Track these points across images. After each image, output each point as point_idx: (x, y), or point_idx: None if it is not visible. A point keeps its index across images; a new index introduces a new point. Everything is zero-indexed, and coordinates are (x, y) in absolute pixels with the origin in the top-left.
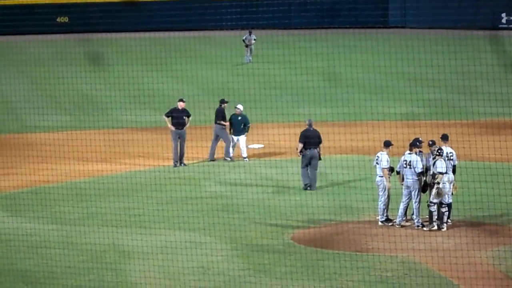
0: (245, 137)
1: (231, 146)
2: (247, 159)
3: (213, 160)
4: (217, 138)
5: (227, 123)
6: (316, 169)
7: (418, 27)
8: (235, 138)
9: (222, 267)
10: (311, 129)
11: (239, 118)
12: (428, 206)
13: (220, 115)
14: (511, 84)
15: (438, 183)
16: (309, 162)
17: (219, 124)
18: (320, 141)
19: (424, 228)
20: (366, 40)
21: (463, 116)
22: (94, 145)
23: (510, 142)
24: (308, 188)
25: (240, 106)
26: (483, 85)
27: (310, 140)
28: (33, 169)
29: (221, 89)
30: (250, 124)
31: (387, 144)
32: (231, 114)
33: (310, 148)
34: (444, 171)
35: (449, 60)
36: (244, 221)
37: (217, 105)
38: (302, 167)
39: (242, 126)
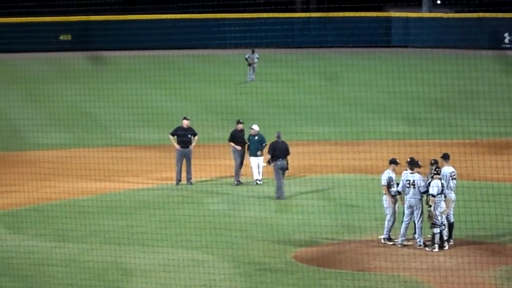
0: (262, 158)
1: (253, 169)
2: (260, 181)
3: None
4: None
5: (239, 147)
6: (283, 179)
7: (420, 47)
8: (254, 159)
9: (224, 286)
10: (280, 141)
11: (256, 138)
12: (431, 227)
13: (231, 136)
14: None
15: (430, 205)
16: (282, 173)
17: (232, 146)
18: (288, 153)
19: (426, 248)
20: (368, 59)
21: (465, 136)
22: (97, 162)
23: None
24: (280, 198)
25: (255, 127)
26: (485, 104)
27: (278, 151)
28: (35, 187)
29: (224, 108)
30: (266, 144)
31: (391, 162)
32: (248, 135)
33: (279, 160)
34: (435, 193)
35: (452, 79)
36: (246, 240)
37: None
38: (279, 179)
39: (260, 147)
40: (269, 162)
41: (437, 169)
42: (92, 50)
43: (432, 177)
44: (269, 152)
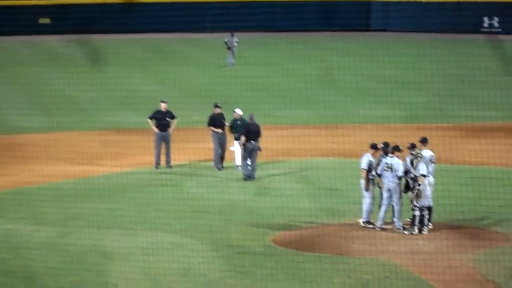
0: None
1: (236, 153)
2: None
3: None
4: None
5: (219, 130)
6: (256, 160)
7: (399, 31)
8: (238, 144)
9: (203, 269)
10: (253, 123)
11: (239, 122)
12: (412, 209)
13: (210, 120)
14: (492, 87)
15: (419, 185)
16: (250, 155)
17: (212, 130)
18: (259, 135)
19: (405, 232)
20: (348, 43)
21: (444, 120)
22: (76, 146)
23: (491, 145)
24: (248, 178)
25: (238, 110)
26: (464, 88)
27: (252, 133)
28: (14, 170)
29: (203, 91)
30: None
31: (371, 147)
32: (232, 119)
33: (250, 141)
34: (426, 173)
35: (430, 63)
36: (225, 223)
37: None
38: (244, 159)
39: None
40: (244, 145)
41: (420, 153)
42: (71, 34)
43: (412, 161)
44: (243, 134)
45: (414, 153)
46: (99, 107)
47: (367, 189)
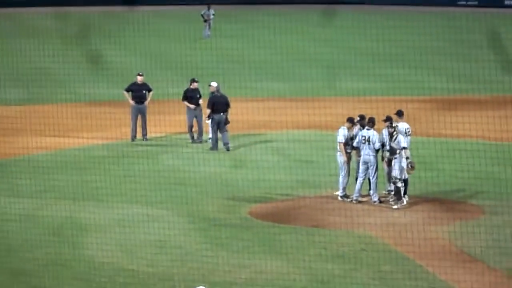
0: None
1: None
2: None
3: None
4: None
5: (192, 106)
6: (227, 131)
7: (377, 4)
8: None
9: (179, 241)
10: (219, 94)
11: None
12: (394, 182)
13: (185, 94)
14: (468, 59)
15: (408, 157)
16: (218, 127)
17: (186, 105)
18: (228, 107)
19: (394, 206)
20: (325, 15)
21: (420, 92)
22: (52, 117)
23: (467, 118)
24: (213, 150)
25: (213, 83)
26: (440, 60)
27: (218, 105)
28: None
29: (180, 63)
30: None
31: (348, 120)
32: (210, 93)
33: (217, 113)
34: (407, 145)
35: (406, 35)
36: (201, 195)
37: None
38: (213, 133)
39: None
40: (209, 117)
41: (396, 126)
42: (47, 6)
43: (391, 134)
44: (208, 107)
45: (394, 125)
46: (74, 79)
47: (348, 162)
